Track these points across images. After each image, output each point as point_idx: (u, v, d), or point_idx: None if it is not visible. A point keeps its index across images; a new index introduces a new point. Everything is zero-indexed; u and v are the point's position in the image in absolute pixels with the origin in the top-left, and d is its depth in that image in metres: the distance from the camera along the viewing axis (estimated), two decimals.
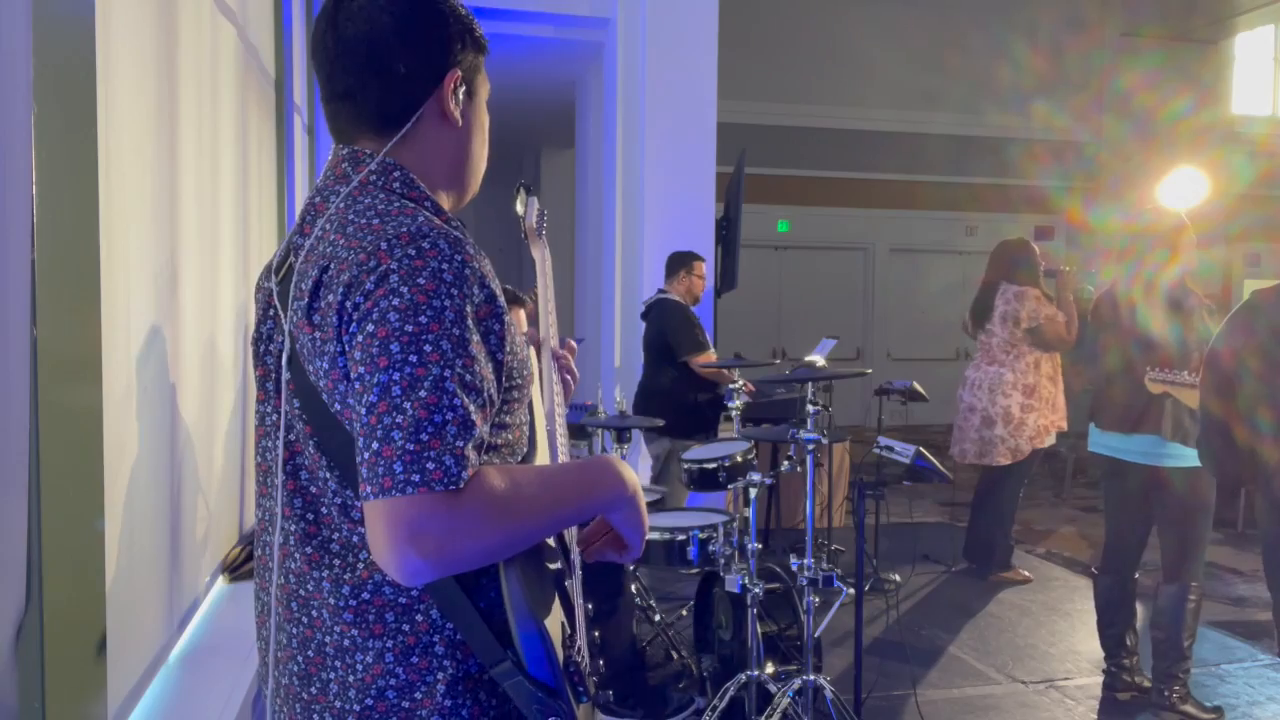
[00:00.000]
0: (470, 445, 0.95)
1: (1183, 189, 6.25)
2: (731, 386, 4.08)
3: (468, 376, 0.97)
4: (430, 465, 0.92)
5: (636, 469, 5.67)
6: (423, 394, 0.93)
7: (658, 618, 3.94)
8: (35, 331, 1.06)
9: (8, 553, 1.05)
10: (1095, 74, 11.35)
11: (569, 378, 1.54)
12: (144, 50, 1.60)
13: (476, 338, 0.99)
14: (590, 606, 1.33)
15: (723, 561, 3.15)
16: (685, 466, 3.51)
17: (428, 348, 0.95)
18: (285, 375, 1.06)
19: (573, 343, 1.58)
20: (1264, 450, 2.71)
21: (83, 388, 1.21)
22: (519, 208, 1.55)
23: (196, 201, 1.98)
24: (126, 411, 1.49)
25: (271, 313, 1.12)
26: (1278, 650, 3.31)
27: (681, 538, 3.11)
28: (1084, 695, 3.61)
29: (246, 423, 2.55)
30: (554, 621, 1.09)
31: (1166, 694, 3.34)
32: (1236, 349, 2.77)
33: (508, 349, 1.05)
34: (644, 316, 4.99)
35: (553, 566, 1.15)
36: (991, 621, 4.42)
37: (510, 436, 1.11)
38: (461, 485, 0.93)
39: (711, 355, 4.75)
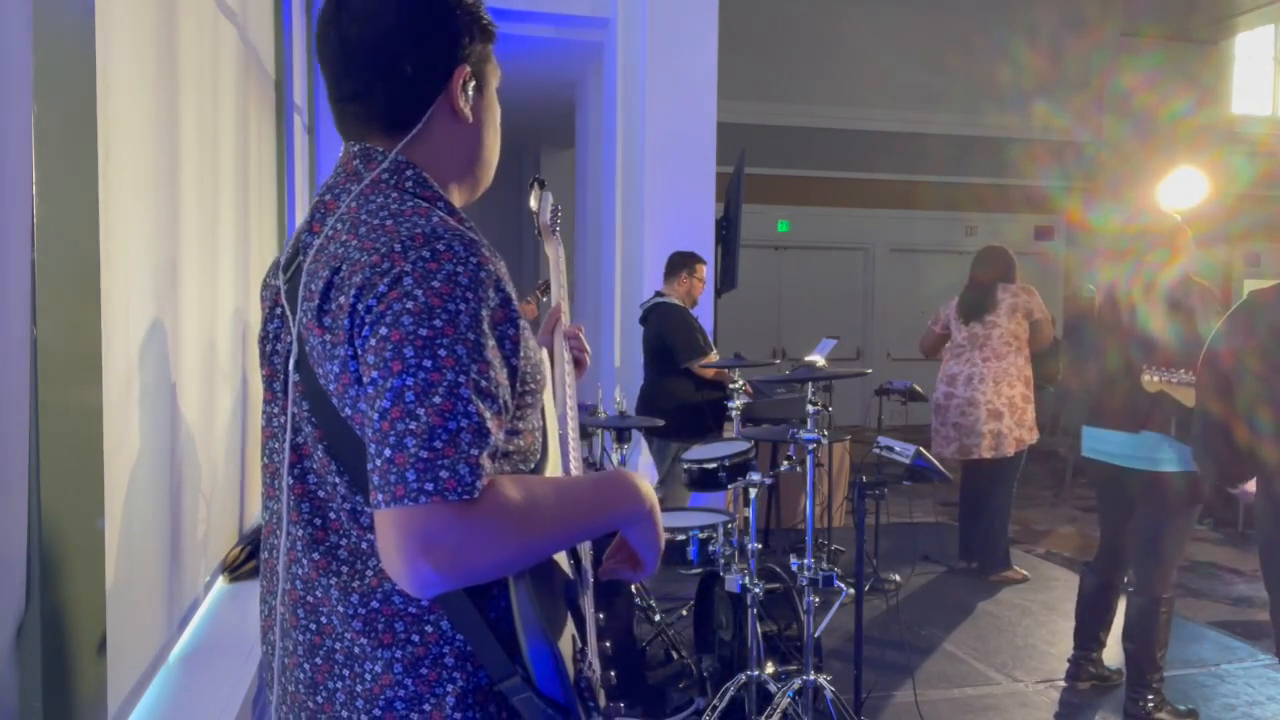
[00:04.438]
0: (485, 454, 0.92)
1: (1183, 189, 6.25)
2: (732, 386, 4.08)
3: (483, 383, 0.94)
4: (444, 474, 0.89)
5: (636, 469, 5.67)
6: (437, 400, 0.91)
7: (658, 618, 3.93)
8: (35, 331, 1.06)
9: (8, 553, 1.05)
10: (1095, 74, 11.35)
11: (584, 356, 1.51)
12: (144, 50, 1.60)
13: (492, 343, 0.97)
14: (602, 616, 1.31)
15: (723, 561, 3.15)
16: (685, 467, 3.51)
17: (442, 352, 0.92)
18: (294, 377, 1.04)
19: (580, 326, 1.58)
20: (1264, 450, 2.71)
21: (83, 388, 1.21)
22: (533, 203, 1.52)
23: (196, 201, 1.98)
24: (126, 411, 1.49)
25: (279, 311, 1.10)
26: (1278, 650, 3.31)
27: (681, 538, 3.11)
28: (1084, 695, 3.61)
29: (247, 422, 2.55)
30: (565, 637, 1.07)
31: (1140, 703, 3.34)
32: (1236, 349, 2.77)
33: (522, 354, 1.03)
34: (642, 320, 4.97)
35: (565, 581, 1.13)
36: (991, 621, 4.42)
37: (523, 443, 1.09)
38: (476, 495, 0.90)
39: (713, 357, 4.74)
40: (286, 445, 1.06)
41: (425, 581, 0.90)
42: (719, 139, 5.81)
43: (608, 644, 1.31)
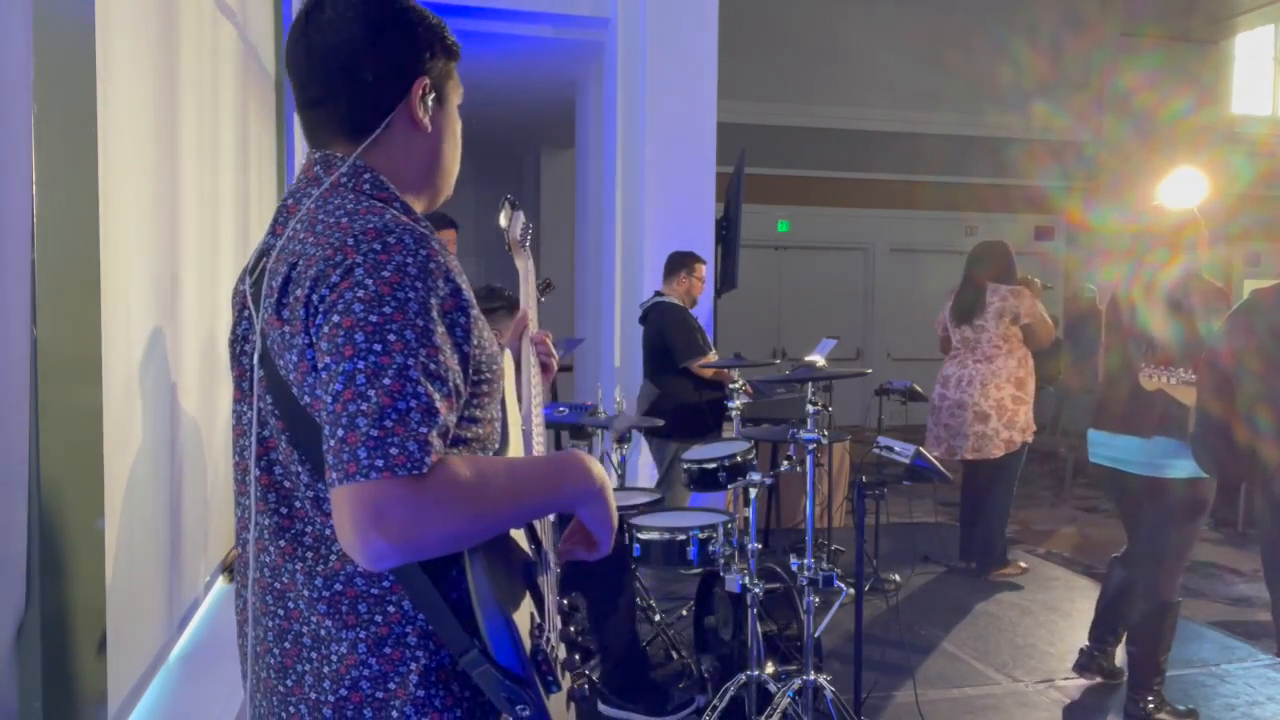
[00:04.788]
0: (434, 432, 0.96)
1: (1183, 189, 6.25)
2: (732, 386, 4.08)
3: (432, 365, 0.98)
4: (394, 450, 0.93)
5: (636, 469, 5.66)
6: (387, 382, 0.95)
7: (658, 618, 3.94)
8: (35, 331, 1.06)
9: (8, 553, 1.05)
10: (1095, 74, 11.34)
11: (550, 361, 1.57)
12: (144, 50, 1.60)
13: (441, 329, 1.01)
14: (565, 601, 1.34)
15: (723, 561, 3.15)
16: (685, 466, 3.51)
17: (392, 337, 0.97)
18: (259, 372, 1.08)
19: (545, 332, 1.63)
20: (1264, 450, 2.71)
21: (83, 388, 1.21)
22: (503, 221, 1.61)
23: (196, 201, 1.98)
24: (127, 411, 1.49)
25: (246, 313, 1.14)
26: (1278, 650, 3.31)
27: (681, 538, 3.11)
28: (1084, 695, 3.61)
29: None
30: (522, 613, 1.10)
31: (1141, 704, 3.34)
32: (1236, 349, 2.77)
33: (474, 342, 1.07)
34: (642, 320, 4.97)
35: (523, 561, 1.16)
36: (991, 621, 4.42)
37: (481, 431, 1.13)
38: (425, 470, 0.94)
39: (712, 357, 4.74)
40: (253, 439, 1.09)
41: (378, 553, 0.93)
42: (719, 139, 5.80)
43: (574, 629, 1.32)
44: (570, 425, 4.60)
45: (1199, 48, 11.49)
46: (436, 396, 0.98)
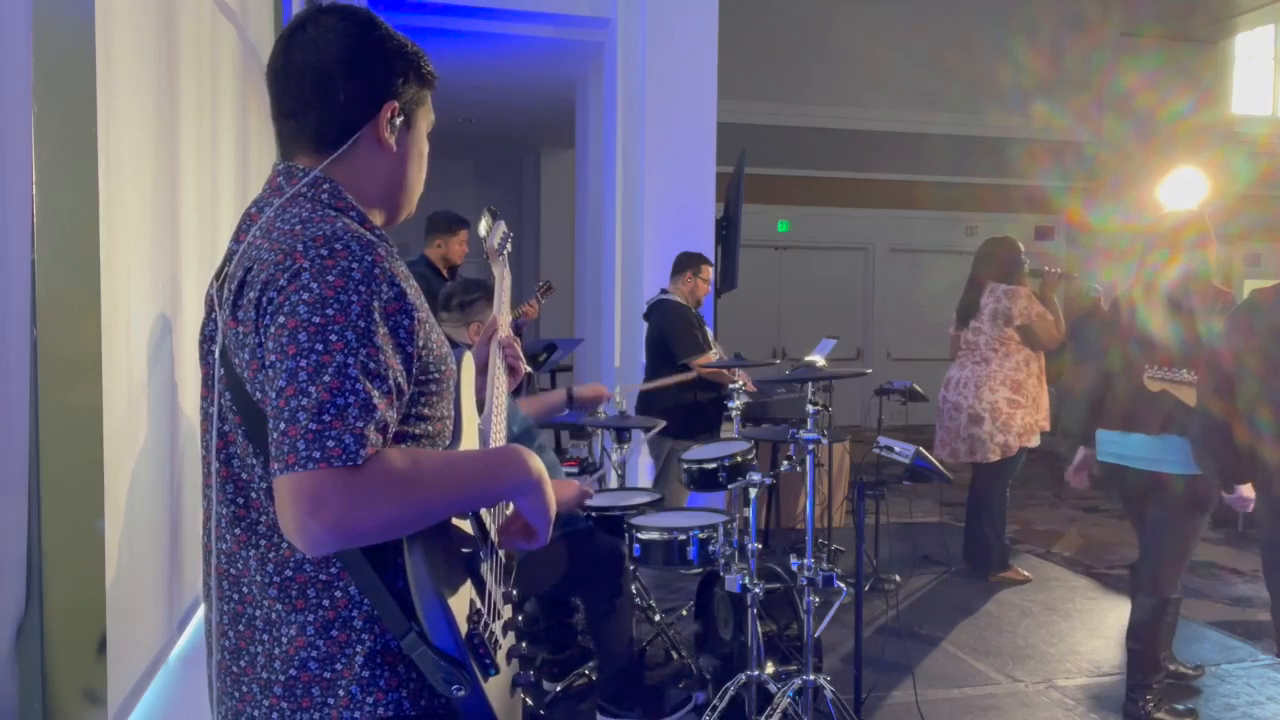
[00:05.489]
0: (372, 426, 1.02)
1: (1183, 189, 6.26)
2: (732, 386, 4.08)
3: (371, 364, 1.05)
4: (330, 443, 1.00)
5: (636, 469, 5.67)
6: (326, 379, 1.02)
7: (658, 618, 3.93)
8: (35, 331, 1.06)
9: (8, 553, 1.05)
10: (1095, 74, 11.34)
11: (518, 364, 1.62)
12: (144, 50, 1.60)
13: (384, 330, 1.08)
14: (514, 591, 1.39)
15: (723, 561, 3.14)
16: (685, 466, 3.51)
17: (333, 337, 1.03)
18: (219, 371, 1.14)
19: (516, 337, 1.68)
20: (1264, 451, 2.71)
21: (83, 388, 1.21)
22: (482, 230, 1.68)
23: (196, 201, 1.98)
24: (127, 411, 1.49)
25: (213, 314, 1.19)
26: (1278, 650, 3.30)
27: (681, 538, 3.11)
28: (1084, 695, 3.61)
29: None
30: (461, 598, 1.15)
31: (1140, 703, 3.33)
32: (1236, 349, 2.77)
33: (419, 342, 1.13)
34: (646, 317, 4.99)
35: (466, 550, 1.21)
36: (991, 621, 4.42)
37: (431, 428, 1.20)
38: (360, 462, 1.00)
39: (711, 356, 4.74)
40: (214, 434, 1.15)
41: (315, 540, 0.99)
42: (719, 139, 5.80)
43: (521, 617, 1.36)
44: (571, 425, 4.61)
45: (1199, 48, 11.49)
46: (375, 394, 1.04)
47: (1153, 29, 11.22)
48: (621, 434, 3.91)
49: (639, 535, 3.16)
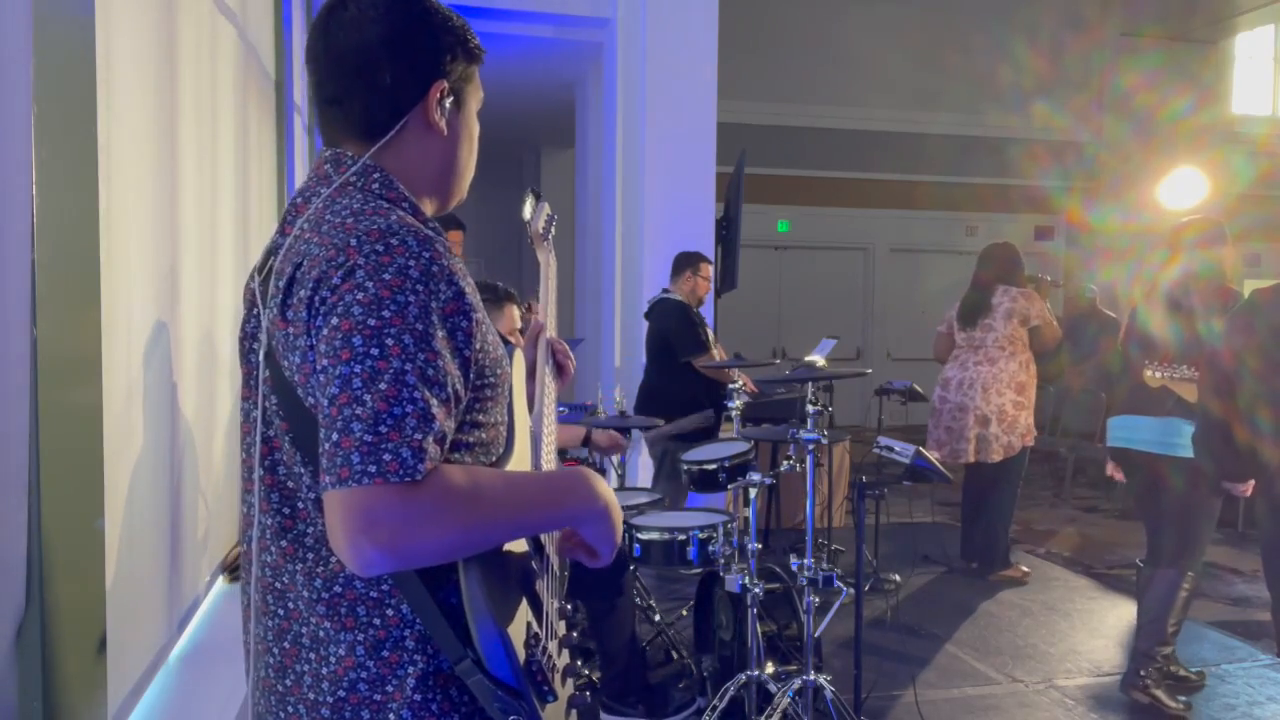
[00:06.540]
0: (430, 439, 0.95)
1: (1183, 189, 6.26)
2: (732, 386, 4.07)
3: (429, 371, 0.97)
4: (387, 457, 0.92)
5: (636, 469, 5.66)
6: (382, 386, 0.94)
7: (658, 618, 3.93)
8: (35, 331, 1.06)
9: (8, 553, 1.05)
10: (1095, 74, 11.34)
11: (568, 363, 1.54)
12: (144, 50, 1.60)
13: (442, 333, 1.00)
14: (570, 606, 1.32)
15: (723, 561, 3.14)
16: (685, 467, 3.51)
17: (390, 341, 0.96)
18: (264, 372, 1.07)
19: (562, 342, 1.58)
20: (1264, 450, 2.71)
21: (83, 388, 1.21)
22: (526, 213, 1.54)
23: (196, 201, 1.98)
24: (127, 411, 1.49)
25: (255, 311, 1.13)
26: (1278, 650, 3.30)
27: (681, 538, 3.11)
28: (1084, 695, 3.61)
29: None
30: (518, 623, 1.09)
31: (1141, 673, 3.34)
32: (1236, 349, 2.77)
33: (477, 345, 1.06)
34: (647, 316, 4.99)
35: (521, 567, 1.14)
36: (991, 621, 4.42)
37: (485, 435, 1.12)
38: (418, 478, 0.93)
39: (713, 355, 4.74)
40: (257, 438, 1.09)
41: (367, 560, 0.92)
42: (719, 139, 5.81)
43: (575, 634, 1.31)
44: (570, 425, 4.59)
45: (1199, 48, 11.49)
46: (434, 402, 0.97)
47: (1153, 29, 11.22)
48: (621, 434, 3.91)
49: (639, 535, 3.16)
